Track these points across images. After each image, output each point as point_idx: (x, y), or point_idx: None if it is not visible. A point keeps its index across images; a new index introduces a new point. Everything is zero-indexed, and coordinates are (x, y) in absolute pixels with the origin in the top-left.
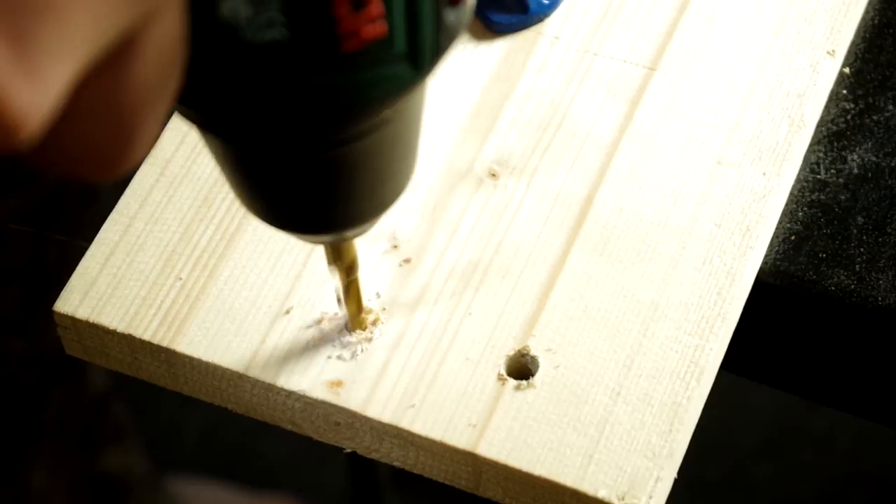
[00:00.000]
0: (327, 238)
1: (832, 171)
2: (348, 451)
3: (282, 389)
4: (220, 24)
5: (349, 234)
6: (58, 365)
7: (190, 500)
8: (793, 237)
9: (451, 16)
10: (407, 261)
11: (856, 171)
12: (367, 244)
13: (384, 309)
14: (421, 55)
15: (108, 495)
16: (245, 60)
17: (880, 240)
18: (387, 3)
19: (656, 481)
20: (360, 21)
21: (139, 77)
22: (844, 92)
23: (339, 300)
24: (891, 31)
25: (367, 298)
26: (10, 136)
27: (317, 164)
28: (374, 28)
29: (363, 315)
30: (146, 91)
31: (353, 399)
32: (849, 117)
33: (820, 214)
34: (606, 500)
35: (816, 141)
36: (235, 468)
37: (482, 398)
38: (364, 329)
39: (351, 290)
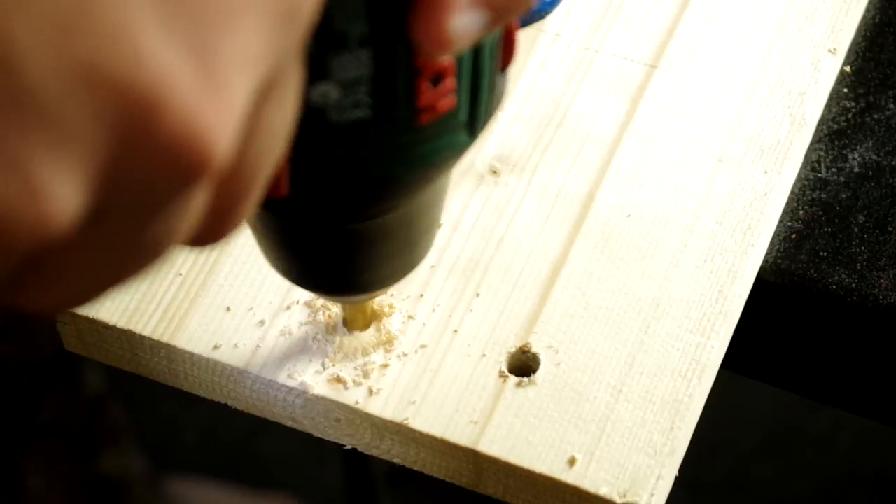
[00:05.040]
0: (351, 299)
1: (833, 169)
2: (348, 447)
3: (282, 386)
4: (308, 107)
5: (373, 295)
6: (53, 367)
7: (189, 500)
8: (794, 235)
9: (500, 83)
10: None
11: (857, 169)
12: None
13: (392, 304)
14: (477, 122)
15: (105, 497)
16: (327, 140)
17: (881, 238)
18: (458, 78)
19: (657, 479)
20: (437, 96)
21: (263, 136)
22: (845, 90)
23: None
24: (892, 29)
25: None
26: (203, 158)
27: (355, 234)
28: (447, 101)
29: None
30: (263, 156)
31: (354, 395)
32: (850, 115)
33: (821, 213)
34: (608, 497)
35: (817, 139)
36: (235, 468)
37: (483, 395)
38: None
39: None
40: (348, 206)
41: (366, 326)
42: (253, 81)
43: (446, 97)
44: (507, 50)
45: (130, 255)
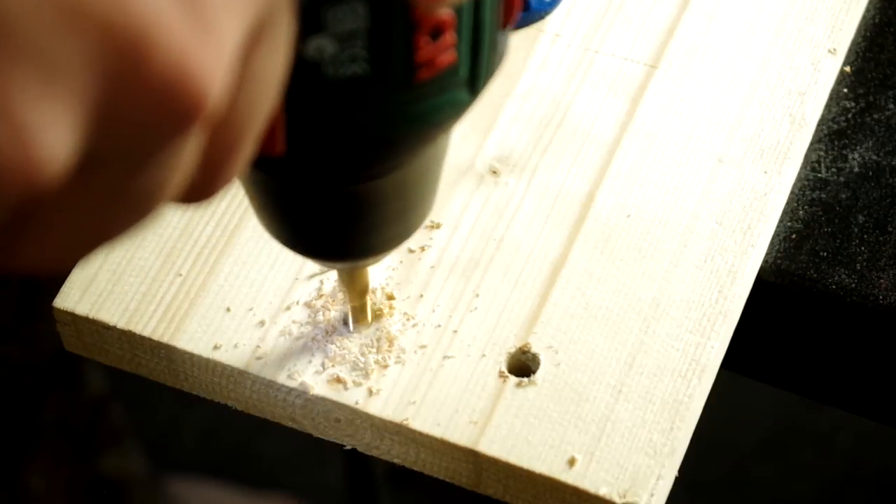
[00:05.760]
0: (347, 265)
1: (833, 169)
2: (348, 447)
3: (282, 386)
4: (303, 62)
5: (369, 262)
6: (55, 369)
7: (189, 500)
8: (794, 235)
9: (501, 40)
10: (410, 252)
11: (857, 169)
12: None
13: (392, 304)
14: (478, 79)
15: (106, 498)
16: (323, 96)
17: (881, 238)
18: (457, 32)
19: (657, 479)
20: (436, 51)
21: (255, 84)
22: (845, 90)
23: (346, 321)
24: (891, 29)
25: (372, 289)
26: (196, 101)
27: (352, 196)
28: (447, 57)
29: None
30: (255, 105)
31: (354, 396)
32: (850, 116)
33: (821, 213)
34: (607, 497)
35: (817, 139)
36: (235, 468)
37: (483, 395)
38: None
39: (360, 310)
40: (345, 166)
41: (363, 298)
42: (242, 25)
43: (446, 52)
44: (508, 6)
45: (122, 206)
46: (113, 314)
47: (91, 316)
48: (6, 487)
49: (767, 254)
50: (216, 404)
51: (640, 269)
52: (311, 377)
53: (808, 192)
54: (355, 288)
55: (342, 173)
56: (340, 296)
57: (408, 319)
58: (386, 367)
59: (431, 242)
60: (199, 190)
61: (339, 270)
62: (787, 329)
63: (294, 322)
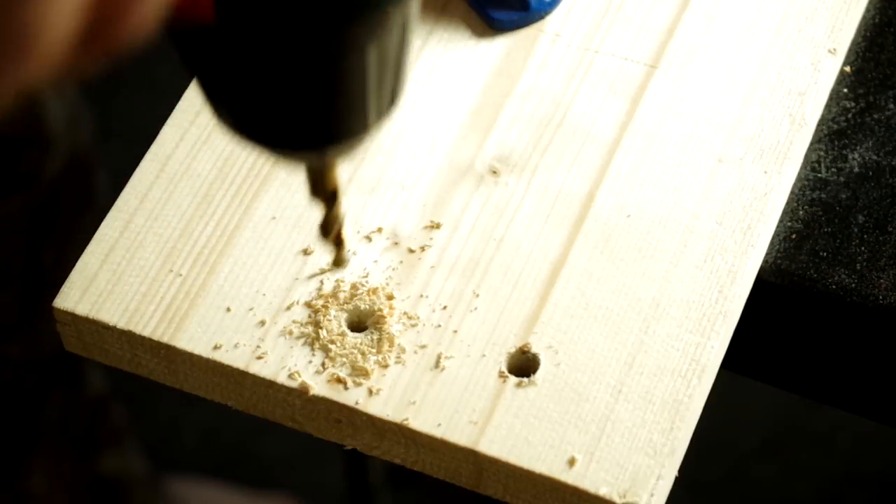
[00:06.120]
0: (310, 156)
1: (833, 169)
2: (348, 448)
3: (282, 386)
4: None
5: (331, 152)
6: (56, 369)
7: (189, 500)
8: (794, 235)
9: None
10: (410, 252)
11: (857, 169)
12: (368, 241)
13: (392, 304)
14: None
15: (107, 498)
16: None
17: (881, 238)
18: None
19: (657, 479)
20: None
21: None
22: (845, 90)
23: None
24: (891, 29)
25: (369, 285)
26: None
27: (313, 66)
28: None
29: (345, 253)
30: None
31: (354, 395)
32: (850, 116)
33: (821, 213)
34: (607, 497)
35: (817, 139)
36: (235, 468)
37: (483, 395)
38: (345, 265)
39: (333, 225)
40: (308, 19)
41: (334, 203)
42: None
43: None
44: None
45: (2, 44)
46: (113, 314)
47: (91, 316)
48: (7, 487)
49: (767, 254)
50: (216, 404)
51: (640, 269)
52: (311, 377)
53: (808, 192)
54: (324, 190)
55: (303, 28)
56: (341, 296)
57: (408, 319)
58: (386, 367)
59: (431, 242)
60: (101, 35)
61: (306, 171)
62: (787, 329)
63: (294, 322)
